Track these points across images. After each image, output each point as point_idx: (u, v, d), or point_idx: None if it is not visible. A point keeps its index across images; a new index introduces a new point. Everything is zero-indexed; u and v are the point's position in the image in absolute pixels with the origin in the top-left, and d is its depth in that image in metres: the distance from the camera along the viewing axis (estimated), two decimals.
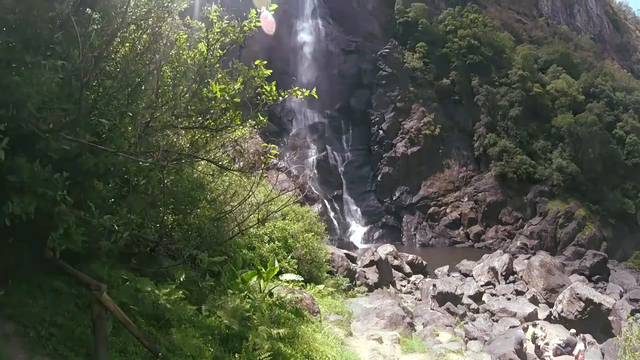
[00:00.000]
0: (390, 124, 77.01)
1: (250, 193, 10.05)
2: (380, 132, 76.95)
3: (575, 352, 18.35)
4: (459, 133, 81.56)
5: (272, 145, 9.48)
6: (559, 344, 21.90)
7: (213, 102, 7.49)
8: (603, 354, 24.40)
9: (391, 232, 71.51)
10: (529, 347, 21.00)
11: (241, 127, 8.99)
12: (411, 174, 75.46)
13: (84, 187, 6.21)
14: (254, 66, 7.79)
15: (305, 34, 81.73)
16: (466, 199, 75.58)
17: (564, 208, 72.65)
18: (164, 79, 7.31)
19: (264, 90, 7.87)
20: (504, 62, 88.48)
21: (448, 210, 74.58)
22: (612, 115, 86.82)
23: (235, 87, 7.61)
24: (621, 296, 46.64)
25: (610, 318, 30.99)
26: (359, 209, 72.06)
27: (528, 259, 46.21)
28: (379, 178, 74.70)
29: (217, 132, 8.54)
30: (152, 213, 8.31)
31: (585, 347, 18.12)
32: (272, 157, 9.58)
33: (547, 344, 22.04)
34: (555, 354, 21.49)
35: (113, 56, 6.74)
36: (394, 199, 74.05)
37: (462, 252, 60.98)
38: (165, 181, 8.41)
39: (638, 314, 31.12)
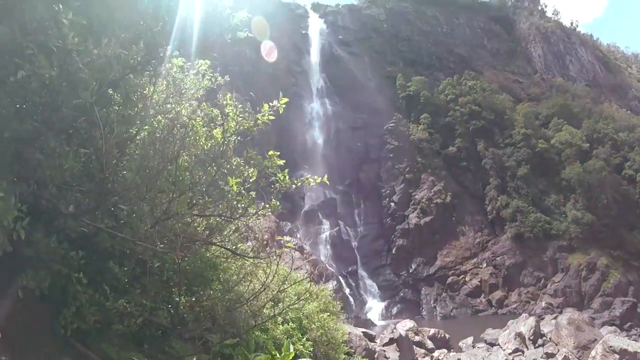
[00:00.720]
0: (400, 195, 77.50)
1: (265, 284, 10.08)
2: (392, 204, 77.21)
3: None
4: (470, 198, 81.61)
5: (287, 239, 9.56)
6: None
7: (229, 195, 7.71)
8: None
9: (410, 306, 69.17)
10: None
11: (255, 215, 9.12)
12: (426, 245, 74.54)
13: (99, 267, 6.32)
14: (267, 156, 8.09)
15: (314, 113, 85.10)
16: (485, 264, 73.97)
17: (585, 260, 70.73)
18: (180, 167, 7.51)
19: (277, 178, 8.11)
20: (506, 122, 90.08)
21: (467, 279, 72.63)
22: (619, 157, 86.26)
23: (249, 177, 7.92)
24: None
25: None
26: (375, 284, 70.42)
27: (555, 318, 44.08)
28: (393, 251, 73.82)
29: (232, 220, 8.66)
30: (165, 294, 8.32)
31: None
32: (286, 245, 9.50)
33: None
34: None
35: (132, 143, 7.03)
36: (410, 271, 72.61)
37: (486, 321, 58.82)
38: (180, 263, 8.43)
39: None
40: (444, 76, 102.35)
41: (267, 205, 8.53)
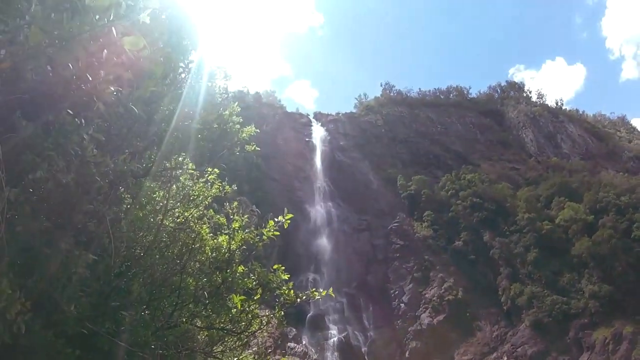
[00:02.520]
0: (410, 295, 76.11)
1: None
2: (402, 305, 75.54)
3: None
4: (483, 291, 79.80)
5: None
6: None
7: (233, 310, 7.71)
8: None
9: None
10: None
11: (259, 331, 9.01)
12: (442, 345, 71.26)
13: None
14: (272, 270, 8.05)
15: (318, 217, 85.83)
16: (506, 358, 70.69)
17: (610, 333, 67.82)
18: (185, 277, 7.58)
19: (281, 292, 8.02)
20: (508, 210, 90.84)
21: None
22: (625, 222, 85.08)
23: (254, 295, 7.87)
24: None
25: None
26: None
27: None
28: (407, 354, 70.43)
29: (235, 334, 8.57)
30: None
31: None
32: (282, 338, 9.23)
33: None
34: None
35: (139, 248, 7.24)
36: None
37: None
38: None
39: None
40: (442, 173, 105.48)
41: (272, 317, 8.50)
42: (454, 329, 73.29)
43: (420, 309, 74.74)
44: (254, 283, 7.91)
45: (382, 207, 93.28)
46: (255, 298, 7.85)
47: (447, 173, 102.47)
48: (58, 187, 4.97)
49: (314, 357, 60.16)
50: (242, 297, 7.66)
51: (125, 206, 6.68)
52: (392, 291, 77.32)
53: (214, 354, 8.60)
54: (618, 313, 71.72)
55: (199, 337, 8.69)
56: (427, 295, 76.03)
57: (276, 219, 8.19)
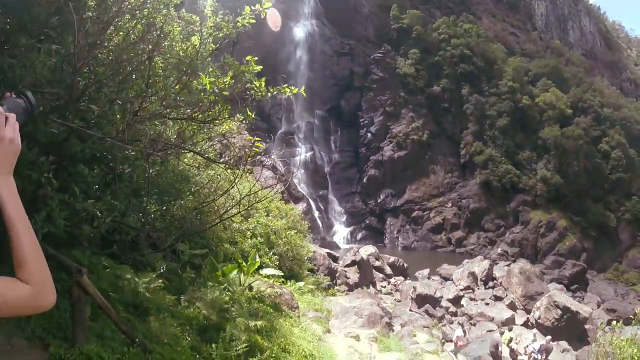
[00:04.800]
0: (378, 127, 77.47)
1: (234, 184, 9.97)
2: (369, 135, 77.38)
3: (454, 339, 18.71)
4: (446, 140, 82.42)
5: (257, 139, 9.27)
6: (534, 349, 22.43)
7: (202, 94, 7.40)
8: None
9: (374, 234, 72.03)
10: (505, 351, 21.52)
11: (229, 120, 8.98)
12: (397, 178, 75.89)
13: (70, 171, 6.24)
14: (244, 62, 7.71)
15: (300, 34, 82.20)
16: (450, 204, 76.32)
17: (546, 218, 73.67)
18: (155, 70, 7.30)
19: (253, 85, 7.79)
20: (494, 73, 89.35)
21: (431, 215, 75.17)
22: (598, 130, 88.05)
23: (224, 80, 7.50)
24: (598, 306, 47.78)
25: (586, 326, 31.36)
26: (343, 210, 72.45)
27: (508, 265, 46.41)
28: (364, 180, 75.09)
29: (205, 125, 8.53)
30: (136, 202, 8.25)
31: (464, 333, 18.49)
32: (257, 150, 9.23)
33: (527, 346, 22.71)
34: (530, 358, 22.12)
35: (106, 44, 6.77)
36: (378, 201, 74.49)
37: (443, 257, 61.69)
38: (151, 171, 8.43)
39: (614, 322, 31.49)
40: (440, 14, 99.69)
41: (242, 115, 8.42)
42: (412, 166, 77.06)
43: (385, 142, 77.14)
44: (226, 77, 7.58)
45: (369, 34, 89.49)
46: (225, 80, 7.49)
47: (445, 16, 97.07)
48: None
49: (281, 171, 63.02)
50: (212, 78, 7.45)
51: (90, 13, 6.07)
52: (362, 120, 78.39)
53: (184, 147, 8.76)
54: (559, 205, 76.71)
55: (169, 133, 8.70)
56: (394, 130, 77.78)
57: (252, 7, 7.66)
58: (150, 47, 6.86)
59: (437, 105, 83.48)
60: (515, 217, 76.01)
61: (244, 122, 8.89)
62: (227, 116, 8.15)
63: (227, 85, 7.52)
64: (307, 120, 76.33)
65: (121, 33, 6.99)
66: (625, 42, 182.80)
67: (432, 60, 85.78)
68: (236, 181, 9.81)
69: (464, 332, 19.21)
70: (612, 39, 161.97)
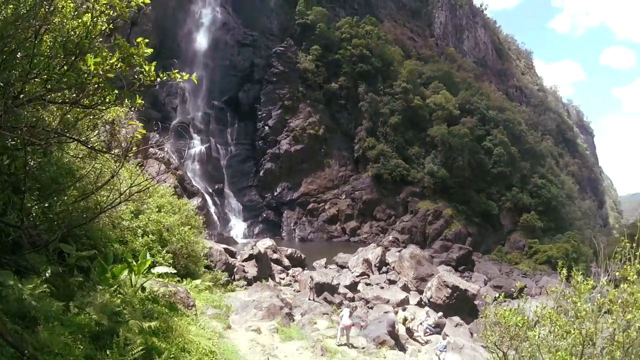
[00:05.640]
0: (276, 120, 78.18)
1: (114, 174, 9.18)
2: (266, 128, 77.79)
3: (340, 320, 19.54)
4: (341, 135, 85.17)
5: (140, 124, 8.73)
6: (429, 325, 24.33)
7: (87, 75, 6.82)
8: (472, 333, 27.34)
9: (271, 227, 72.84)
10: (401, 329, 22.59)
11: (117, 107, 8.24)
12: (293, 171, 77.29)
13: None
14: (135, 44, 7.10)
15: (203, 21, 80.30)
16: (344, 196, 79.21)
17: (433, 207, 78.97)
18: (41, 48, 6.71)
19: (142, 70, 7.13)
20: (390, 73, 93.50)
21: (327, 207, 77.57)
22: (483, 130, 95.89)
23: (112, 62, 6.92)
24: (485, 283, 52.81)
25: (476, 302, 34.01)
26: (239, 204, 72.35)
27: (399, 251, 49.36)
28: (261, 173, 75.49)
29: (90, 111, 7.81)
30: (16, 199, 7.67)
31: (350, 314, 19.39)
32: (139, 137, 8.45)
33: (421, 324, 24.40)
34: (426, 334, 23.83)
35: None
36: (275, 194, 75.47)
37: (339, 246, 63.48)
38: (31, 162, 7.87)
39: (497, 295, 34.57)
40: (345, 14, 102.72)
41: (129, 100, 7.59)
42: (307, 160, 78.84)
43: (282, 135, 77.85)
44: (114, 60, 6.93)
45: (273, 27, 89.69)
46: (112, 62, 6.88)
47: (349, 16, 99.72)
48: None
49: (175, 164, 61.07)
50: (98, 59, 6.83)
51: None
52: (260, 113, 78.17)
53: (66, 135, 7.97)
54: (444, 196, 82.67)
55: (51, 119, 8.01)
56: (291, 124, 78.73)
57: None
58: (38, 23, 6.28)
59: (334, 101, 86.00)
60: (404, 207, 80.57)
61: (133, 109, 7.99)
62: (113, 101, 7.43)
63: (114, 68, 6.93)
64: (203, 111, 74.98)
65: (11, 6, 6.44)
66: (515, 53, 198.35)
67: (332, 58, 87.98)
68: (118, 171, 9.06)
69: (350, 313, 20.11)
70: (503, 50, 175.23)
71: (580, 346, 6.42)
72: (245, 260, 33.92)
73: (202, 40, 78.88)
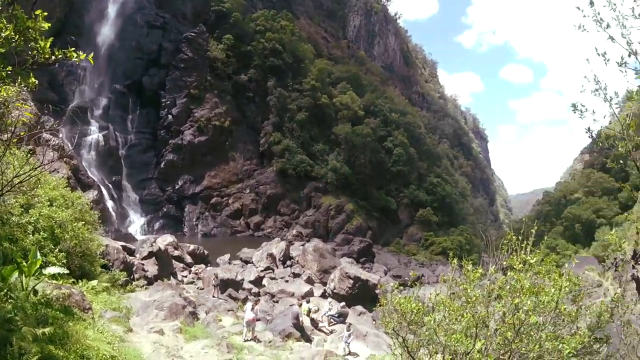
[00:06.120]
0: (181, 109, 75.59)
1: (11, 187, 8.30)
2: (170, 116, 74.82)
3: (245, 315, 19.66)
4: (247, 128, 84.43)
5: (29, 114, 7.83)
6: (332, 315, 24.79)
7: None
8: (375, 321, 27.99)
9: (173, 223, 70.18)
10: (306, 321, 22.86)
11: (7, 85, 7.56)
12: (196, 164, 75.19)
13: None
14: (33, 16, 6.51)
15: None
16: (248, 190, 78.70)
17: (335, 202, 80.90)
18: None
19: (37, 45, 6.55)
20: (301, 70, 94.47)
21: (230, 201, 76.61)
22: (385, 131, 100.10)
23: (4, 35, 6.28)
24: (386, 273, 55.34)
25: (377, 291, 34.32)
26: (138, 198, 69.00)
27: (303, 245, 49.59)
28: (162, 165, 72.54)
29: None
30: None
31: (252, 309, 19.73)
32: (25, 120, 7.71)
33: (324, 314, 24.73)
34: (330, 324, 24.26)
35: None
36: (176, 187, 73.08)
37: (242, 241, 62.96)
38: None
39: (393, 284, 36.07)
40: (262, 6, 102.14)
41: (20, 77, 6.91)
42: (212, 152, 77.13)
43: (186, 125, 75.44)
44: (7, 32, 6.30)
45: (186, 11, 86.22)
46: (4, 35, 6.22)
47: (266, 9, 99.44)
48: None
49: (69, 152, 57.19)
50: None
51: None
52: (164, 100, 74.81)
53: None
54: (346, 192, 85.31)
55: None
56: (196, 114, 76.48)
57: None
58: None
59: (242, 93, 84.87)
60: (308, 202, 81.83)
61: (26, 89, 7.25)
62: (3, 78, 6.83)
63: (8, 41, 6.34)
64: (104, 95, 70.39)
65: None
66: (421, 62, 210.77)
67: (244, 49, 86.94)
68: (1, 158, 8.41)
69: (253, 307, 19.86)
70: (411, 58, 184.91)
71: (474, 328, 6.87)
72: (145, 258, 32.38)
73: (109, 18, 74.13)
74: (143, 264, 30.97)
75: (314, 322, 23.80)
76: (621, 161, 6.47)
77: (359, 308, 30.73)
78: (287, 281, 38.28)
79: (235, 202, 76.87)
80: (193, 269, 39.50)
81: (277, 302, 32.16)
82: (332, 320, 24.66)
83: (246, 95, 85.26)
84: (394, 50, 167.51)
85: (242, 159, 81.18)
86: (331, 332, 23.38)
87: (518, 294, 6.68)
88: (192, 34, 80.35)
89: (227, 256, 47.57)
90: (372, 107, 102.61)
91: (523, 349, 6.60)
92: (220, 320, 21.44)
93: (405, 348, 7.86)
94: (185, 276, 37.16)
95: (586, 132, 6.16)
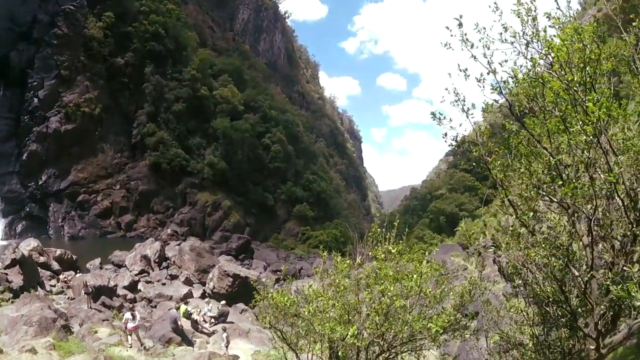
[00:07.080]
0: (48, 92, 68.79)
1: None
2: (35, 100, 67.92)
3: (124, 323, 19.38)
4: (120, 117, 79.59)
5: None
6: (212, 316, 24.59)
7: None
8: (257, 317, 27.77)
9: (37, 224, 64.34)
10: (185, 324, 22.34)
11: None
12: (62, 155, 69.20)
13: None
14: None
15: None
16: (118, 186, 74.56)
17: (212, 199, 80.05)
18: None
19: None
20: (182, 58, 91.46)
21: (99, 199, 71.99)
22: (263, 127, 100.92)
23: None
24: (265, 269, 55.99)
25: (258, 288, 34.73)
26: None
27: (179, 244, 48.85)
28: (24, 157, 65.91)
29: None
30: None
31: (132, 317, 19.39)
32: None
33: (204, 315, 24.45)
34: (211, 325, 23.95)
35: None
36: (40, 183, 66.80)
37: (114, 243, 59.38)
38: None
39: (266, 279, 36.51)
40: None
41: None
42: (79, 143, 71.47)
43: (53, 111, 69.18)
44: None
45: None
46: None
47: None
48: None
49: None
50: None
51: None
52: (31, 80, 67.59)
53: None
54: (223, 188, 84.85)
55: None
56: (65, 99, 70.30)
57: None
58: None
59: (117, 78, 79.53)
60: (183, 199, 79.80)
61: None
62: None
63: None
64: None
65: None
66: (304, 63, 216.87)
67: (125, 30, 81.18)
68: None
69: (133, 315, 18.95)
70: (294, 57, 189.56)
71: (347, 315, 7.57)
72: (8, 266, 29.25)
73: None
74: (6, 274, 28.20)
75: (195, 324, 23.69)
76: (474, 163, 7.35)
77: (241, 306, 31.09)
78: (164, 284, 37.33)
79: (104, 199, 72.46)
80: (61, 276, 36.07)
81: (154, 307, 31.34)
82: (212, 320, 24.72)
83: (121, 80, 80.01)
84: (279, 49, 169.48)
85: (112, 151, 76.53)
86: (213, 333, 23.45)
87: (382, 281, 7.50)
88: (72, 7, 73.04)
89: (97, 260, 44.75)
90: (253, 103, 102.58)
91: (392, 331, 7.34)
92: (96, 332, 20.64)
93: (284, 340, 8.39)
94: (54, 285, 34.03)
95: (443, 137, 6.85)
